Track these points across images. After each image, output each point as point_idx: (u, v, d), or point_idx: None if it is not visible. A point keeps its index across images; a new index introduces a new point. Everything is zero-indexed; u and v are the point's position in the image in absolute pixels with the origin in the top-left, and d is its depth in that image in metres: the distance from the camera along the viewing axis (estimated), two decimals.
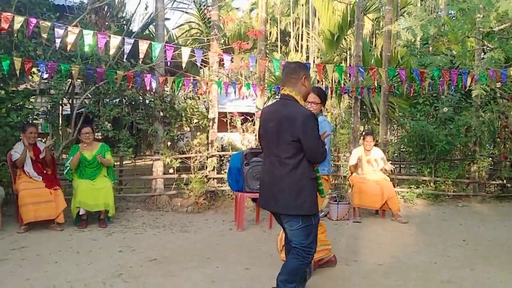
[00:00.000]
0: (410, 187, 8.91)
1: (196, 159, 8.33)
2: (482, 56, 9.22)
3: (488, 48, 8.72)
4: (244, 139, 8.72)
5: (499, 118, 9.09)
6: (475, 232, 6.47)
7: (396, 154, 10.13)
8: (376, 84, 9.52)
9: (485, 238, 6.09)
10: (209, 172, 8.41)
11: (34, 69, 7.48)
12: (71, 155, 6.51)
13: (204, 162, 8.50)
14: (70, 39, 6.34)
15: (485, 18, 6.86)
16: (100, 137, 8.77)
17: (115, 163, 8.11)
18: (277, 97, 12.69)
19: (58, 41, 6.31)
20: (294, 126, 3.20)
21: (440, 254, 5.25)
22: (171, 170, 8.35)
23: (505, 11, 5.21)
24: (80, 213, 6.34)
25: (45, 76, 7.35)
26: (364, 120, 12.67)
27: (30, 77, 8.80)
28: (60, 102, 8.62)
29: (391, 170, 7.40)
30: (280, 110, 3.36)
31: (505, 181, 9.37)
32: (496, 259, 5.06)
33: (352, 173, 7.49)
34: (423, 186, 8.96)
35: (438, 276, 4.46)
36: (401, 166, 10.25)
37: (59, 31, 6.28)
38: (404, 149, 10.22)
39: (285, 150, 3.26)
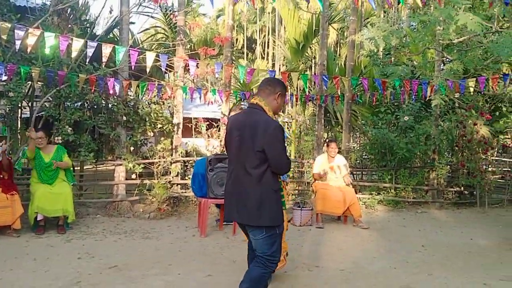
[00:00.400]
0: (372, 194, 9.07)
1: (159, 165, 8.24)
2: (441, 67, 9.53)
3: (447, 60, 9.01)
4: (209, 145, 8.69)
5: (457, 127, 9.36)
6: (433, 238, 6.63)
7: (358, 161, 10.31)
8: (339, 93, 9.69)
9: (443, 244, 6.26)
10: (172, 177, 8.33)
11: None
12: (22, 157, 6.46)
13: (168, 168, 8.41)
14: (31, 41, 6.16)
15: (445, 31, 7.06)
16: (60, 141, 8.55)
17: (75, 168, 7.94)
18: (242, 103, 12.74)
19: (18, 42, 6.13)
20: (259, 136, 3.17)
21: (399, 260, 5.36)
22: (133, 176, 8.22)
23: (464, 24, 5.37)
24: (38, 219, 6.17)
25: (4, 78, 7.13)
26: (328, 127, 12.86)
27: None
28: (19, 105, 8.37)
29: (349, 183, 7.52)
30: (246, 119, 3.33)
31: (462, 188, 9.66)
32: (453, 265, 5.20)
33: (315, 180, 7.57)
34: (383, 193, 9.14)
35: (397, 281, 4.55)
36: (363, 173, 10.43)
37: (19, 33, 6.09)
38: (366, 156, 10.41)
39: (250, 160, 3.22)
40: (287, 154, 3.33)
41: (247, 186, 3.24)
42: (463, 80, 8.22)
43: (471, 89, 8.29)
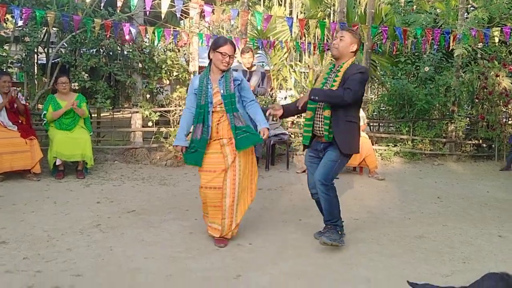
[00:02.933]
0: (388, 145, 9.01)
1: (175, 113, 8.23)
2: (465, 15, 9.18)
3: (472, 8, 8.67)
4: None
5: (478, 79, 9.13)
6: (449, 190, 6.62)
7: (375, 113, 10.19)
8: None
9: (459, 196, 6.25)
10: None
11: (8, 16, 7.16)
12: (46, 105, 6.36)
13: None
14: None
15: None
16: (76, 88, 8.56)
17: (93, 115, 7.98)
18: (259, 51, 12.53)
19: None
20: None
21: (414, 211, 5.38)
22: (150, 123, 8.25)
23: None
24: (57, 164, 6.26)
25: (20, 23, 7.06)
26: None
27: (4, 24, 8.46)
28: (35, 51, 8.34)
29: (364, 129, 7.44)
30: None
31: (481, 141, 9.55)
32: (468, 216, 5.21)
33: None
34: (400, 145, 9.07)
35: (411, 231, 4.57)
36: (380, 124, 10.33)
37: None
38: (383, 108, 10.27)
39: None
40: None
41: None
42: (488, 30, 7.93)
43: (496, 39, 8.00)
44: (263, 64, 11.94)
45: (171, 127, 8.08)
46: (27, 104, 6.72)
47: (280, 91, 12.03)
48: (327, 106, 3.82)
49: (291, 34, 10.79)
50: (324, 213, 3.93)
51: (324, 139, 3.86)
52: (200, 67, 9.10)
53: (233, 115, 3.80)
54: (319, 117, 3.88)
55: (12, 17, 6.82)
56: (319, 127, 3.89)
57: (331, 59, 10.78)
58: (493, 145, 9.42)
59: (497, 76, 8.83)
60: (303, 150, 4.28)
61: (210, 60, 3.89)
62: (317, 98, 3.71)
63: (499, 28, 7.88)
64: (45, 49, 8.77)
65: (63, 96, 6.43)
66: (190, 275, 3.33)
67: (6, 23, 8.60)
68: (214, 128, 3.83)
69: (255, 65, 7.41)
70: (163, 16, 7.05)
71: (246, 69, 7.17)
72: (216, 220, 3.91)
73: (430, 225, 4.81)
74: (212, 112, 3.82)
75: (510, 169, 8.26)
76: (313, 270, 3.50)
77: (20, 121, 6.28)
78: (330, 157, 3.83)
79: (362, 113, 7.39)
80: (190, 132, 3.98)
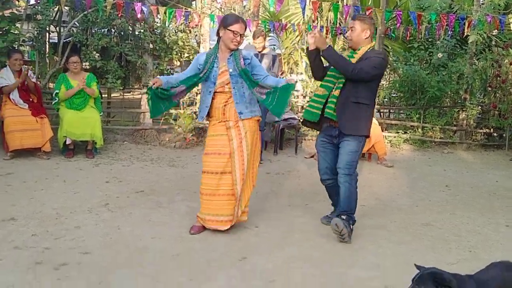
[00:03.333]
0: (398, 132, 8.94)
1: None
2: (481, 1, 9.01)
3: None
4: None
5: (492, 67, 8.99)
6: (458, 178, 6.58)
7: (386, 99, 10.10)
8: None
9: (468, 184, 6.21)
10: (198, 108, 8.31)
11: None
12: (58, 84, 6.36)
13: (194, 98, 8.39)
14: None
15: None
16: (87, 67, 8.56)
17: (103, 95, 7.99)
18: (271, 34, 12.42)
19: None
20: None
21: (422, 198, 5.36)
22: None
23: None
24: (67, 143, 6.30)
25: (32, 1, 7.06)
26: None
27: (16, 2, 8.45)
28: (47, 29, 8.34)
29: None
30: None
31: (492, 130, 9.45)
32: (477, 205, 5.18)
33: None
34: (410, 132, 9.00)
35: (419, 218, 4.56)
36: (391, 111, 10.24)
37: None
38: (395, 94, 10.17)
39: None
40: None
41: None
42: (504, 16, 7.78)
43: None
44: (274, 48, 11.83)
45: (180, 109, 8.08)
46: (38, 82, 6.75)
47: (291, 75, 11.95)
48: (339, 86, 3.79)
49: (303, 17, 10.67)
50: (342, 203, 3.81)
51: (335, 121, 3.81)
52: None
53: (254, 91, 3.66)
54: (331, 98, 3.83)
55: None
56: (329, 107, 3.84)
57: (344, 44, 10.71)
58: (504, 135, 9.31)
59: (511, 64, 8.69)
60: (303, 125, 4.20)
61: (219, 37, 3.73)
62: (326, 54, 3.69)
63: None
64: (57, 28, 8.77)
65: (74, 75, 6.42)
66: (197, 255, 3.36)
67: (19, 1, 8.59)
68: (221, 109, 3.69)
69: (266, 47, 7.34)
70: None
71: (257, 52, 7.11)
72: (224, 211, 3.70)
73: (438, 213, 4.80)
74: (218, 93, 3.69)
75: None
76: (320, 255, 3.50)
77: (31, 100, 6.31)
78: (350, 148, 3.79)
79: None
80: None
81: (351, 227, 3.79)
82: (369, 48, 3.84)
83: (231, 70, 3.66)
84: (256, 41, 7.00)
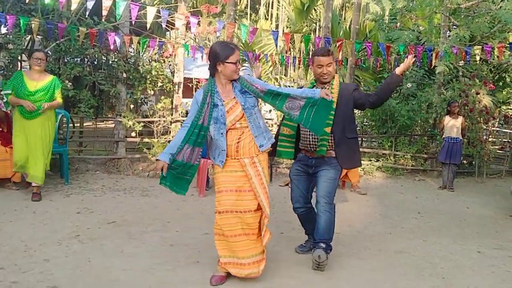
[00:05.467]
0: (371, 160, 9.08)
1: (159, 124, 8.20)
2: (448, 33, 9.36)
3: (454, 26, 8.84)
4: None
5: (460, 96, 9.28)
6: (430, 205, 6.68)
7: (358, 127, 10.27)
8: (342, 57, 9.54)
9: (439, 211, 6.31)
10: (172, 137, 8.30)
11: None
12: (10, 83, 5.58)
13: (168, 127, 8.37)
14: None
15: None
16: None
17: (75, 124, 7.90)
18: (245, 64, 12.56)
19: None
20: None
21: (395, 225, 5.41)
22: (133, 134, 8.19)
23: None
24: (27, 180, 5.70)
25: (4, 30, 6.98)
26: None
27: None
28: (19, 58, 8.25)
29: None
30: None
31: (461, 157, 9.66)
32: (448, 231, 5.26)
33: None
34: (383, 160, 9.15)
35: (392, 246, 4.59)
36: (363, 139, 10.41)
37: None
38: (367, 123, 10.37)
39: None
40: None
41: None
42: (469, 48, 8.09)
43: (477, 57, 8.17)
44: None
45: (154, 137, 8.04)
46: (8, 111, 6.62)
47: (265, 104, 12.06)
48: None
49: (276, 48, 10.88)
50: (321, 231, 3.77)
51: (316, 154, 3.84)
52: (185, 79, 9.10)
53: (284, 109, 3.34)
54: (307, 134, 3.86)
55: None
56: (309, 142, 3.87)
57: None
58: (473, 162, 9.55)
59: (477, 93, 8.99)
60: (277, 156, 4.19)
61: (213, 72, 3.32)
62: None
63: (480, 47, 8.05)
64: (29, 57, 8.68)
65: (34, 75, 5.55)
66: None
67: None
68: (234, 146, 3.27)
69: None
70: (148, 26, 7.05)
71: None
72: (251, 251, 3.35)
73: (410, 239, 4.85)
74: (229, 130, 3.27)
75: None
76: (295, 284, 3.48)
77: (0, 129, 6.18)
78: (330, 175, 3.82)
79: None
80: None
81: (327, 256, 3.79)
82: (338, 80, 3.95)
83: (243, 104, 3.26)
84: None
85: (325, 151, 3.78)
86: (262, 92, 3.31)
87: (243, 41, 11.95)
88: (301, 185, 4.00)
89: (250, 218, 3.30)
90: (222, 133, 3.25)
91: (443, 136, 8.05)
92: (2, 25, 6.63)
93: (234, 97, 3.29)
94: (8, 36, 7.13)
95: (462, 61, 8.96)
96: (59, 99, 5.73)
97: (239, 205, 3.29)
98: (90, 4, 6.38)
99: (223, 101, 3.27)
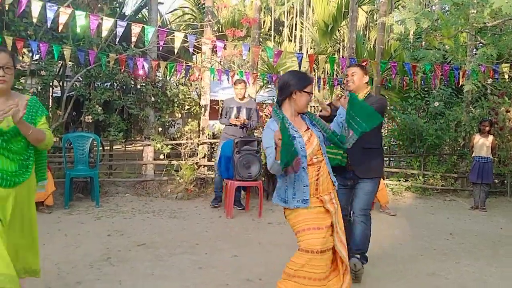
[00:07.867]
0: (399, 180, 8.96)
1: (187, 146, 8.30)
2: (474, 51, 9.26)
3: (480, 44, 8.75)
4: None
5: (489, 114, 9.13)
6: (461, 226, 6.54)
7: (386, 147, 10.18)
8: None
9: (472, 232, 6.16)
10: (199, 159, 8.39)
11: (24, 49, 7.36)
12: None
13: (195, 149, 8.47)
14: (62, 19, 6.24)
15: (479, 14, 6.88)
16: (90, 120, 8.69)
17: (105, 147, 8.04)
18: (269, 86, 12.67)
19: (49, 21, 6.21)
20: None
21: (426, 247, 5.31)
22: (161, 156, 8.31)
23: (498, 7, 5.23)
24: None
25: (36, 56, 7.23)
26: None
27: (21, 58, 8.68)
28: (51, 84, 8.52)
29: None
30: None
31: (493, 177, 9.46)
32: (482, 253, 5.13)
33: None
34: (411, 180, 9.02)
35: (423, 268, 4.50)
36: (391, 159, 10.30)
37: (50, 11, 6.17)
38: (394, 143, 10.27)
39: None
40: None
41: None
42: (497, 66, 7.99)
43: (506, 75, 8.05)
44: (273, 99, 12.02)
45: (182, 160, 8.14)
46: None
47: None
48: None
49: (299, 69, 10.93)
50: (358, 242, 3.99)
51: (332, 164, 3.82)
52: (212, 101, 9.22)
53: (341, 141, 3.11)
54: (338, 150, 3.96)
55: (29, 51, 6.99)
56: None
57: (341, 93, 10.90)
58: (505, 181, 9.33)
59: (507, 111, 8.83)
60: None
61: (282, 100, 3.07)
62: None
63: (509, 64, 7.94)
64: (60, 83, 8.97)
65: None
66: None
67: (23, 57, 8.82)
68: (313, 184, 2.97)
69: (246, 97, 7.27)
70: (176, 51, 7.21)
71: (238, 100, 7.06)
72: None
73: (442, 261, 4.74)
74: (308, 166, 2.97)
75: None
76: None
77: None
78: (368, 189, 4.01)
79: None
80: None
81: (362, 265, 3.93)
82: (366, 93, 4.03)
83: (319, 136, 3.05)
84: (237, 87, 6.97)
85: (341, 161, 3.94)
86: (330, 130, 3.11)
87: (268, 63, 12.09)
88: (340, 197, 3.98)
89: (330, 256, 3.05)
90: (304, 168, 2.92)
91: (473, 155, 7.91)
92: (35, 52, 6.87)
93: (308, 129, 3.06)
94: (40, 63, 7.39)
95: (490, 79, 8.83)
96: (46, 133, 2.98)
97: (324, 243, 2.96)
98: (119, 31, 6.59)
99: (299, 133, 2.99)
